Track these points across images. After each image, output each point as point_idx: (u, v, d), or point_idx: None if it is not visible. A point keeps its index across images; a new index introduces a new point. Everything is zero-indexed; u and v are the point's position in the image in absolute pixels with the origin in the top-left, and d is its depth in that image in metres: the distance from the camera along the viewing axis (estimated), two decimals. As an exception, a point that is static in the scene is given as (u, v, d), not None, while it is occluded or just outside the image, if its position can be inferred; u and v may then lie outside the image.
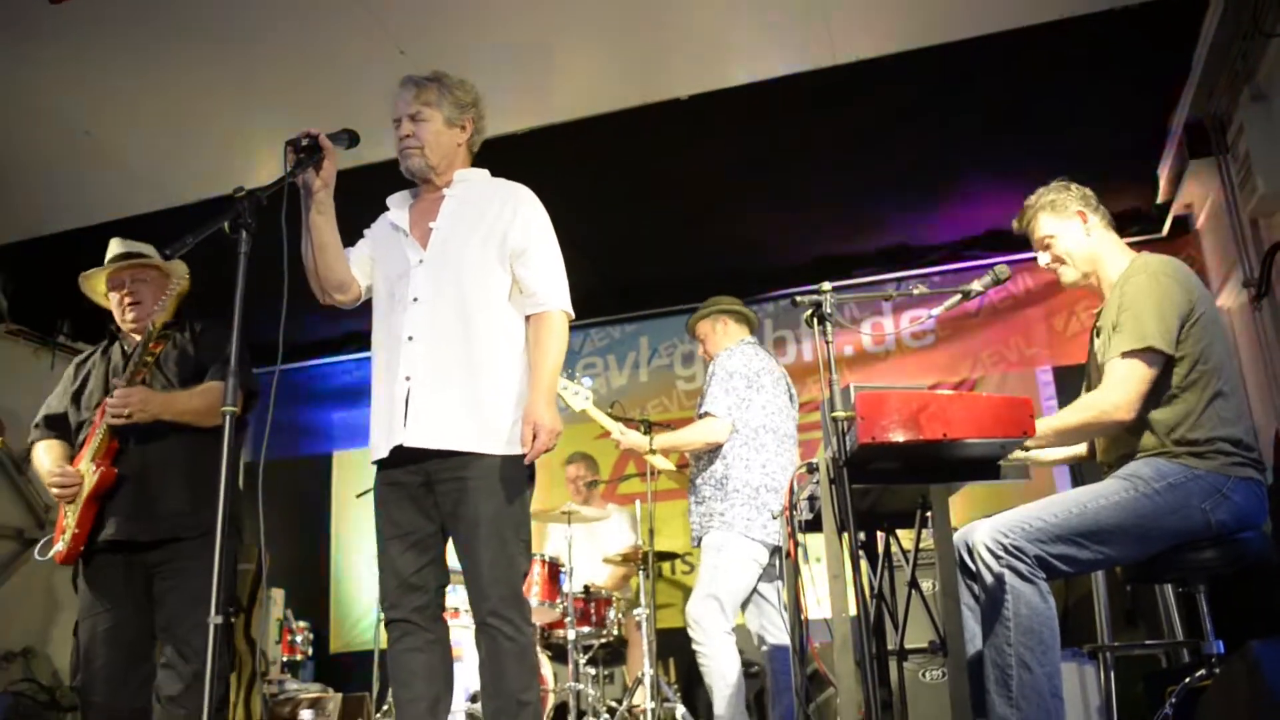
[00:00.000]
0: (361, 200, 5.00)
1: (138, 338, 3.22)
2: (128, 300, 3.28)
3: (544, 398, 2.57)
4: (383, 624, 2.65)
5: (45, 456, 3.24)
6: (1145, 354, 2.56)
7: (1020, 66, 4.34)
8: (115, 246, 3.38)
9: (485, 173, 2.87)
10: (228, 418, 2.00)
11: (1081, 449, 2.96)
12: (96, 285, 3.39)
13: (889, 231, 5.98)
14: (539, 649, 4.81)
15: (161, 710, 2.92)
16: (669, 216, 5.63)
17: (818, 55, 4.18)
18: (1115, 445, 2.76)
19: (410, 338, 2.62)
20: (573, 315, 2.73)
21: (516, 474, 2.59)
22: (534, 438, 2.51)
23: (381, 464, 2.67)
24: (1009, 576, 2.39)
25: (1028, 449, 2.65)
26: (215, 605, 1.82)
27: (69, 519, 3.06)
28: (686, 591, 4.58)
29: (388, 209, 2.87)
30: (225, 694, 3.11)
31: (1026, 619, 2.36)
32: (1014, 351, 6.01)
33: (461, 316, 2.62)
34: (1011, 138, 4.95)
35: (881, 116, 4.72)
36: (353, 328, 6.97)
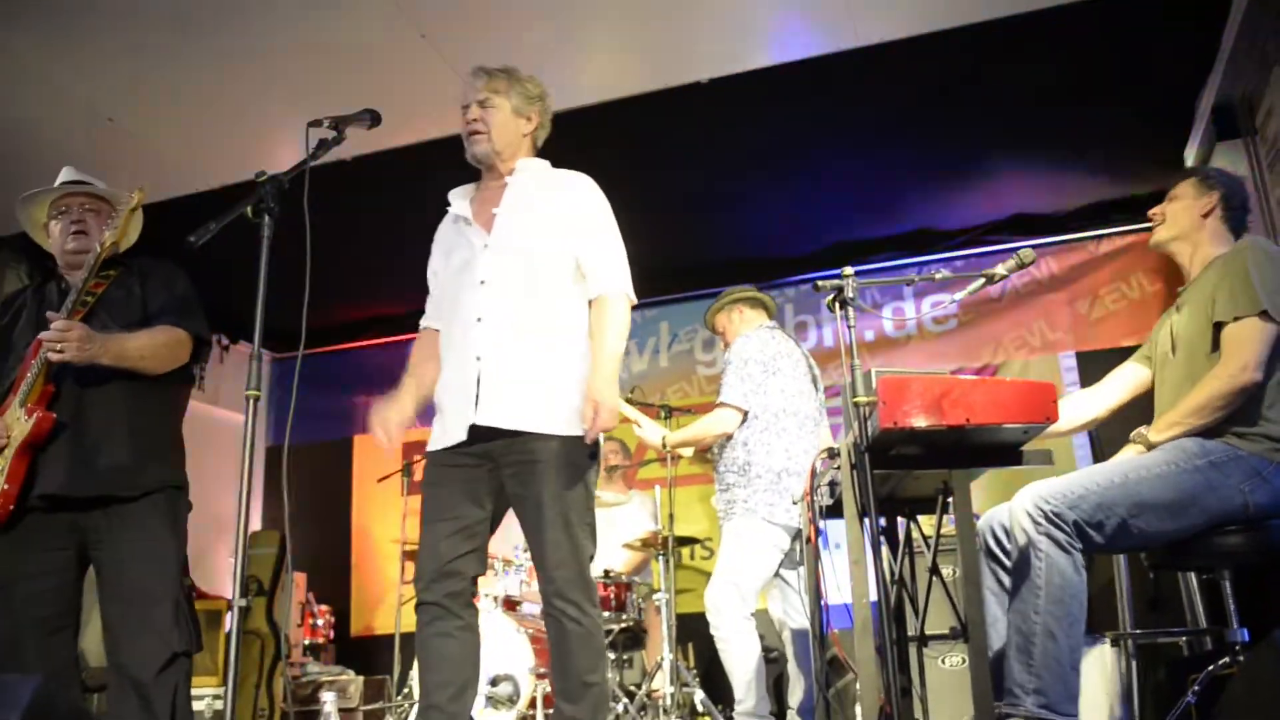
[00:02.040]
0: (380, 186, 5.03)
1: (78, 274, 2.87)
2: (73, 228, 2.95)
3: (605, 378, 2.57)
4: (413, 605, 2.64)
5: None
6: (1262, 316, 2.57)
7: (1044, 48, 4.29)
8: (66, 174, 3.10)
9: (546, 163, 2.90)
10: (251, 402, 1.99)
11: (1099, 413, 2.96)
12: (36, 215, 3.07)
13: (910, 216, 5.94)
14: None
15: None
16: (689, 201, 5.61)
17: (840, 37, 4.15)
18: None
19: (479, 319, 2.65)
20: (634, 299, 2.75)
21: (580, 456, 2.60)
22: (595, 416, 2.52)
23: (441, 444, 2.68)
24: (1045, 544, 2.39)
25: (1153, 445, 2.65)
26: (237, 589, 1.82)
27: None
28: (706, 577, 4.57)
29: (449, 204, 2.89)
30: (190, 671, 2.73)
31: (1058, 589, 2.36)
32: (1037, 336, 5.97)
33: (528, 299, 2.66)
34: (1035, 120, 4.90)
35: (903, 99, 4.68)
36: (375, 312, 7.01)
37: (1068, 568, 2.39)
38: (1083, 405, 3.02)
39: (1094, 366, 5.67)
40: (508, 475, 2.61)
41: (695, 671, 5.04)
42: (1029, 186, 5.66)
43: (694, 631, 5.30)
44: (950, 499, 2.35)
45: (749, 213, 5.74)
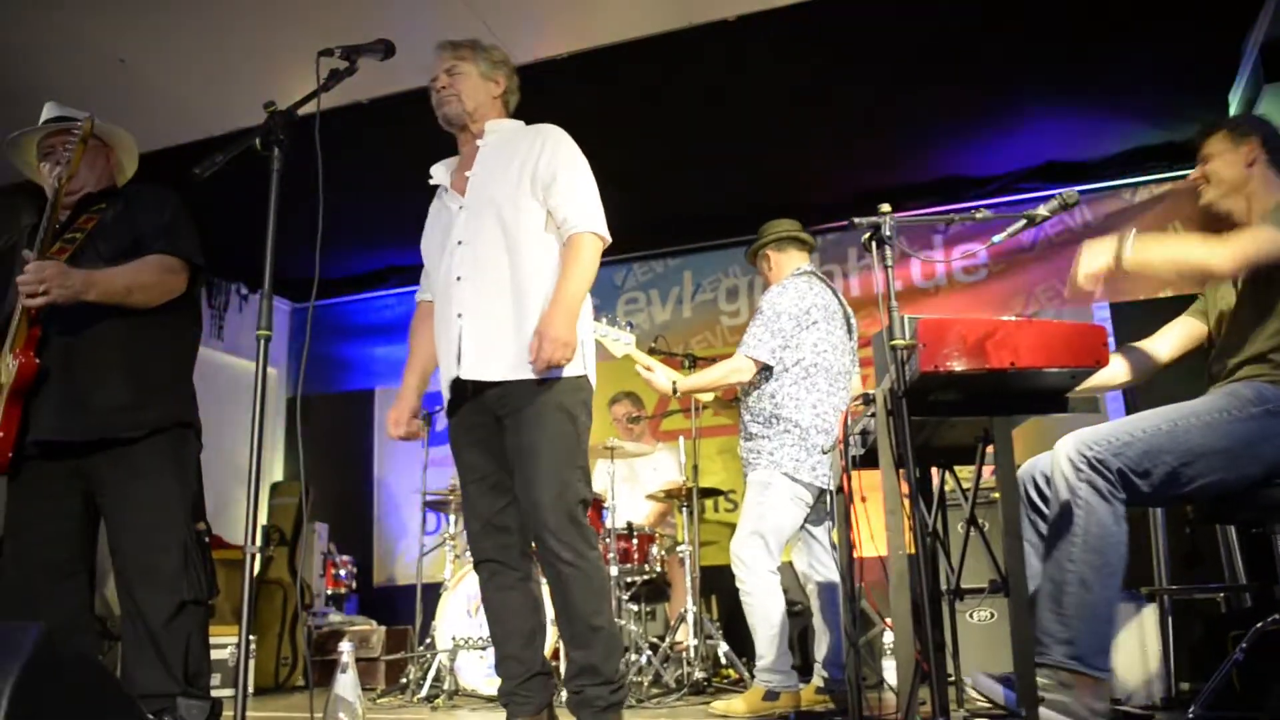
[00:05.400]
0: (396, 126, 4.92)
1: (62, 205, 2.78)
2: (55, 169, 2.80)
3: (558, 312, 2.57)
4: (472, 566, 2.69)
5: None
6: None
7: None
8: (49, 110, 2.97)
9: (519, 123, 2.93)
10: (262, 342, 1.91)
11: (1152, 366, 2.84)
12: (28, 157, 2.96)
13: (940, 163, 5.81)
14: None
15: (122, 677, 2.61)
16: (713, 147, 5.48)
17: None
18: (1220, 361, 2.64)
19: (459, 278, 2.71)
20: (607, 238, 2.75)
21: (567, 398, 2.63)
22: (539, 347, 2.53)
23: (452, 408, 2.76)
24: (1085, 491, 2.30)
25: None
26: (250, 536, 1.75)
27: None
28: (729, 529, 4.52)
29: (430, 177, 2.94)
30: (205, 620, 2.69)
31: (1096, 538, 2.27)
32: (1069, 287, 5.82)
33: (504, 253, 2.69)
34: (1071, 63, 4.74)
35: (935, 37, 4.52)
36: (394, 261, 6.94)
37: (1108, 517, 2.29)
38: (1136, 357, 2.88)
39: (1129, 318, 5.54)
40: (506, 426, 2.65)
41: (719, 624, 5.00)
42: (1063, 131, 5.49)
43: (717, 584, 5.26)
44: (990, 447, 2.24)
45: (774, 158, 5.60)
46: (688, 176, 5.81)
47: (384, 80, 4.50)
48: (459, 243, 2.74)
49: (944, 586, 2.69)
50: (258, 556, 1.93)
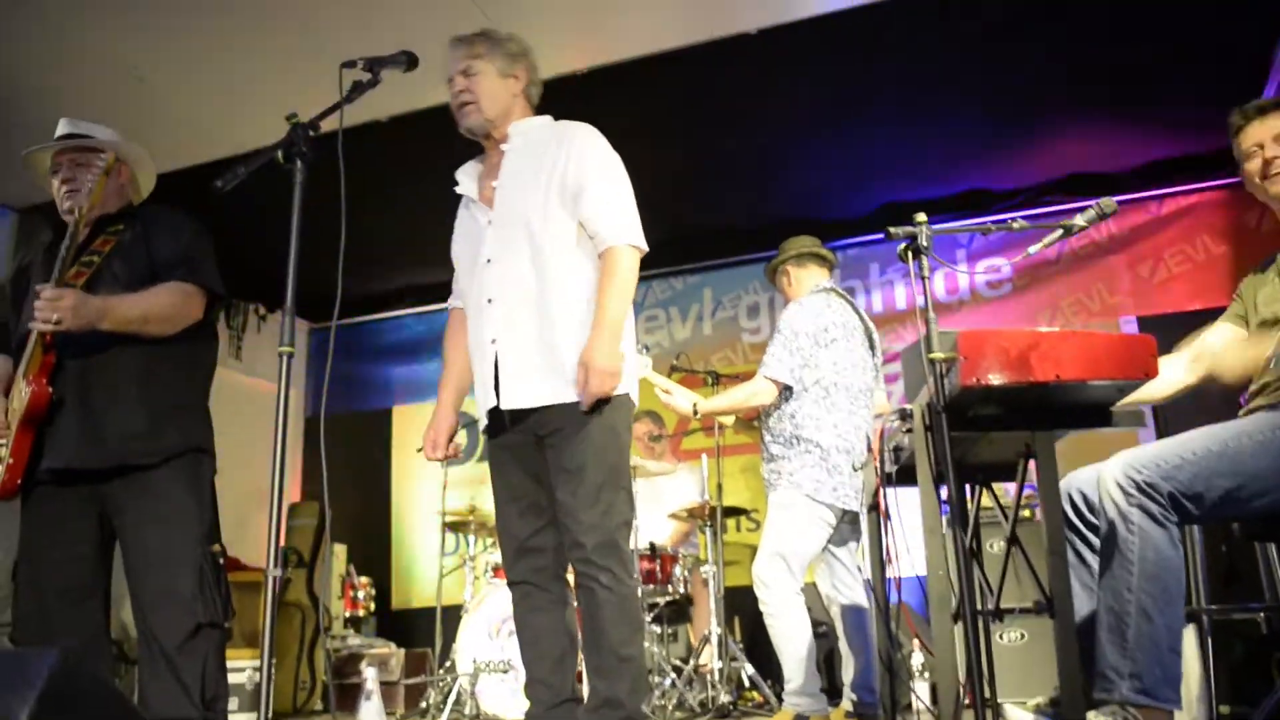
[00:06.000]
0: (417, 147, 4.89)
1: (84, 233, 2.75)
2: (64, 187, 2.80)
3: (602, 336, 2.45)
4: (507, 585, 2.68)
5: None
6: None
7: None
8: (62, 126, 2.92)
9: (546, 119, 2.77)
10: (284, 359, 1.86)
11: (1193, 379, 2.72)
12: (41, 169, 2.92)
13: (964, 176, 5.74)
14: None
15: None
16: (733, 162, 5.45)
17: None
18: (1275, 371, 2.53)
19: (490, 300, 2.61)
20: (644, 249, 2.60)
21: (606, 419, 2.51)
22: (585, 379, 2.42)
23: (491, 430, 2.67)
24: (1138, 516, 2.19)
25: None
26: (272, 559, 1.70)
27: (2, 447, 2.61)
28: (751, 549, 4.45)
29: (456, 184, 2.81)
30: (222, 643, 2.64)
31: (1153, 565, 2.17)
32: (1096, 300, 5.76)
33: (533, 270, 2.57)
34: (1097, 73, 4.67)
35: (959, 49, 4.47)
36: (412, 281, 6.91)
37: (1163, 542, 2.20)
38: (1176, 368, 2.77)
39: (1157, 331, 5.40)
40: (547, 447, 2.55)
41: (741, 645, 4.92)
42: (1088, 143, 5.43)
43: (739, 605, 5.18)
44: (1031, 463, 2.17)
45: (795, 173, 5.56)
46: (707, 192, 5.76)
47: (404, 100, 4.49)
48: (488, 261, 2.63)
49: (979, 606, 2.62)
50: (271, 578, 1.87)
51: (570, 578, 2.61)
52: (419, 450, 2.86)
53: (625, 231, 2.57)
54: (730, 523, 5.71)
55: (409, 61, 2.33)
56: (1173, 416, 4.27)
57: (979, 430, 2.20)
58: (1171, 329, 4.08)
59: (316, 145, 2.17)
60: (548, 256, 2.56)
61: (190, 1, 3.93)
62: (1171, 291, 5.61)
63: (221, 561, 2.65)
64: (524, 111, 2.76)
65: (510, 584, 2.66)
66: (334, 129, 2.19)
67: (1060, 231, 2.56)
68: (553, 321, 2.54)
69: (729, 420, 4.39)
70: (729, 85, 4.68)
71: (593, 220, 2.57)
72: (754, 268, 6.39)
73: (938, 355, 2.06)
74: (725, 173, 5.52)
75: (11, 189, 5.29)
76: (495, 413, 2.60)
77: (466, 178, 2.78)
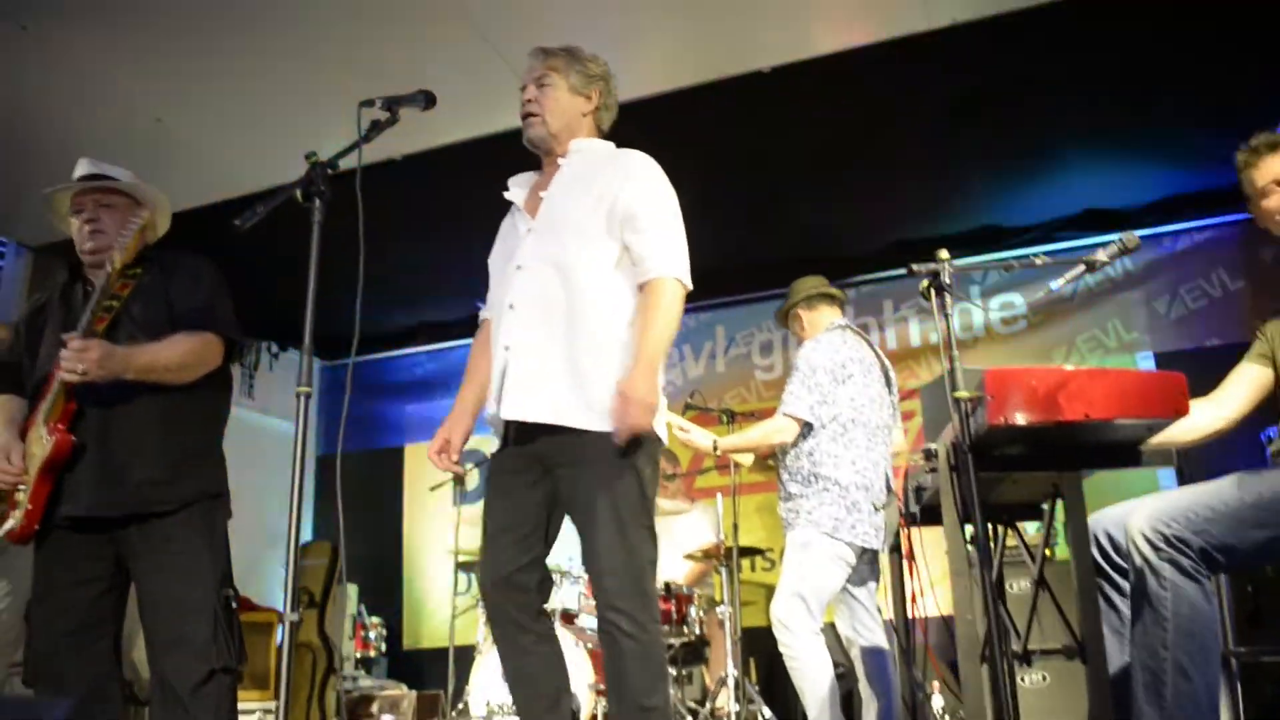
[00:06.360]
0: (431, 187, 4.91)
1: (101, 274, 2.71)
2: (88, 228, 2.78)
3: (642, 368, 2.33)
4: (483, 622, 2.51)
5: None
6: None
7: (1120, 29, 4.06)
8: (83, 166, 2.91)
9: (609, 145, 2.71)
10: (302, 399, 1.84)
11: (1221, 424, 2.66)
12: (60, 209, 2.92)
13: (977, 213, 5.73)
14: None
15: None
16: (745, 199, 5.44)
17: (909, 19, 3.95)
18: None
19: (511, 305, 2.50)
20: (689, 285, 2.51)
21: (634, 453, 2.36)
22: (624, 410, 2.29)
23: (497, 450, 2.56)
24: (1169, 571, 2.13)
25: None
26: (288, 600, 1.67)
27: (21, 492, 2.62)
28: (767, 589, 4.39)
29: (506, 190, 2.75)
30: (234, 687, 2.62)
31: (1187, 620, 2.11)
32: (1112, 337, 5.72)
33: (564, 284, 2.46)
34: (1110, 107, 4.66)
35: (971, 86, 4.47)
36: (426, 319, 6.90)
37: (1197, 596, 2.13)
38: (1205, 414, 2.67)
39: (1174, 368, 5.38)
40: (559, 478, 2.43)
41: (758, 687, 4.84)
42: (1103, 178, 5.41)
43: (756, 646, 5.10)
44: (1059, 503, 2.13)
45: (808, 210, 5.55)
46: (719, 229, 5.74)
47: (419, 139, 4.50)
48: (518, 267, 2.53)
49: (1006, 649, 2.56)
50: (289, 623, 1.84)
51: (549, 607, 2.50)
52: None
53: (675, 264, 2.48)
54: (745, 562, 5.65)
55: (427, 100, 2.33)
56: (1193, 453, 4.21)
57: (1005, 470, 2.16)
58: (1190, 365, 4.04)
59: (334, 180, 2.17)
60: (580, 272, 2.46)
61: (209, 43, 3.97)
62: (1189, 327, 5.56)
63: (235, 606, 2.63)
64: (590, 133, 2.70)
65: (490, 619, 2.51)
66: (352, 167, 2.18)
67: (1083, 267, 2.53)
68: (579, 342, 2.43)
69: (746, 460, 4.35)
70: (742, 122, 4.68)
71: (641, 247, 2.48)
72: (767, 305, 6.36)
73: (963, 394, 2.03)
74: (737, 210, 5.51)
75: (27, 227, 5.32)
76: (505, 431, 2.51)
77: (517, 186, 2.71)
